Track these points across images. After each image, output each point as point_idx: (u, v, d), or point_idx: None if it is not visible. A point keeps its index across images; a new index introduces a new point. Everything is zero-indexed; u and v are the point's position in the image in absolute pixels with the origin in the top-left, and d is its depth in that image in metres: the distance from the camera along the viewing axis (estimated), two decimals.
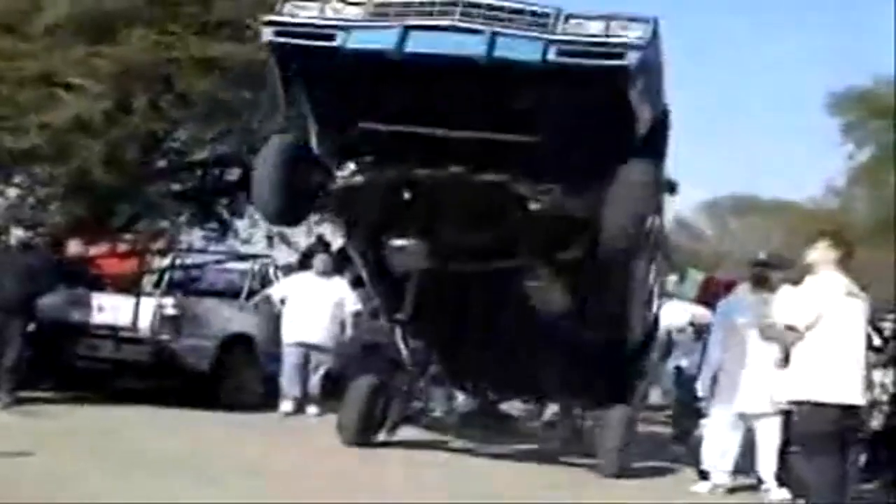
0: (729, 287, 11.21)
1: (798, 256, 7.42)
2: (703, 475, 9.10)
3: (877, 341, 9.35)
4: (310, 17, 7.80)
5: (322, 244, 15.09)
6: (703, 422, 9.42)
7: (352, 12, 7.76)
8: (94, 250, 13.75)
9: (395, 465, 9.09)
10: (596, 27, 7.46)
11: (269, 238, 17.44)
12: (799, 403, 6.97)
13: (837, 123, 28.10)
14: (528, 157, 7.84)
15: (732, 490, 9.04)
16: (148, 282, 13.56)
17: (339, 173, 8.58)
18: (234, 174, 17.61)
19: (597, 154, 7.75)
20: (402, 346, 10.23)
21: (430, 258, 8.66)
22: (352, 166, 8.55)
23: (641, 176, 7.91)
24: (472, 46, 7.41)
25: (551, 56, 7.38)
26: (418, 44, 7.50)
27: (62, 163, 14.88)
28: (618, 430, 9.42)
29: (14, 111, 14.39)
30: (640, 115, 7.81)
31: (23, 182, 16.73)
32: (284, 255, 16.22)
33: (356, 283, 11.78)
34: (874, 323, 9.01)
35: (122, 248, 14.66)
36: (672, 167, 8.93)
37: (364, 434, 9.76)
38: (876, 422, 9.35)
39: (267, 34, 7.90)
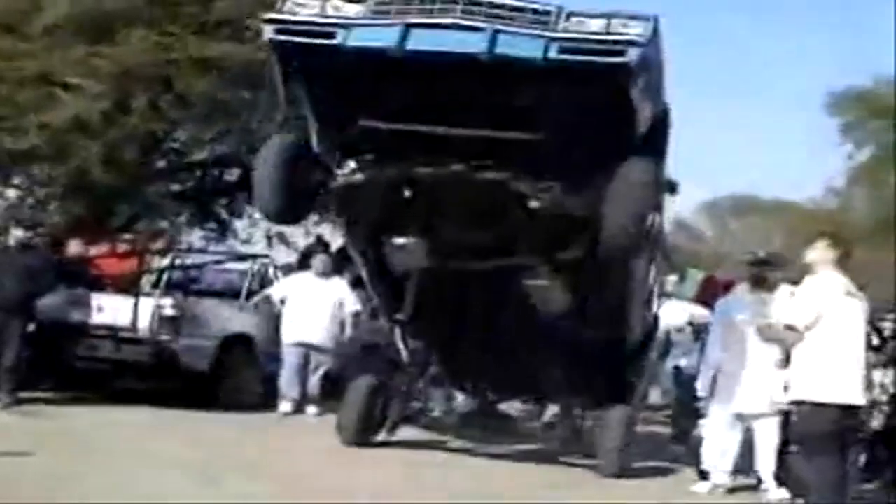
0: (728, 287, 11.18)
1: (797, 256, 7.42)
2: (703, 475, 9.09)
3: (875, 341, 9.34)
4: (311, 15, 7.79)
5: (321, 244, 15.10)
6: (702, 422, 9.41)
7: (353, 10, 7.76)
8: (93, 250, 13.73)
9: (395, 466, 9.08)
10: (597, 25, 7.47)
11: (269, 238, 17.47)
12: (799, 403, 6.97)
13: (837, 123, 28.16)
14: (528, 155, 7.84)
15: (732, 490, 9.03)
16: (147, 282, 13.55)
17: (339, 171, 8.59)
18: (233, 174, 17.61)
19: (597, 152, 7.75)
20: (401, 346, 10.22)
21: (430, 256, 8.65)
22: (352, 164, 8.56)
23: (642, 174, 7.91)
24: (474, 44, 7.41)
25: (552, 53, 7.38)
26: (419, 41, 7.50)
27: (61, 163, 14.89)
28: (617, 430, 9.41)
29: (13, 111, 14.39)
30: (640, 113, 7.81)
31: (22, 182, 16.74)
32: (284, 256, 16.25)
33: (356, 283, 11.78)
34: (873, 323, 9.00)
35: (122, 248, 14.64)
36: (672, 167, 8.95)
37: (363, 434, 9.76)
38: (876, 422, 9.33)
39: (268, 32, 7.90)
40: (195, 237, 18.02)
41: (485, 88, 7.62)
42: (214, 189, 17.99)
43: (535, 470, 9.61)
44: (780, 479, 8.73)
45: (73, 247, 13.46)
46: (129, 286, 12.48)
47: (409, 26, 7.52)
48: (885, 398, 9.46)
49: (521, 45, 7.42)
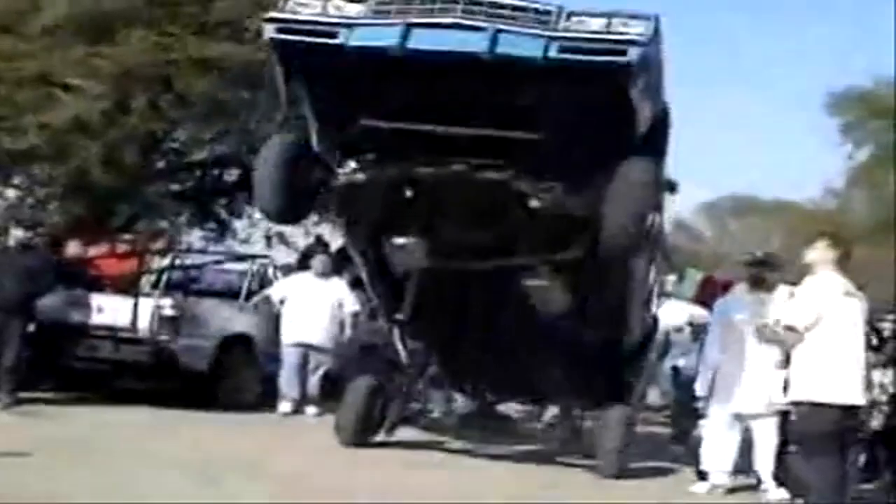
0: (727, 287, 11.19)
1: (797, 257, 7.42)
2: (702, 475, 9.08)
3: (875, 341, 9.34)
4: (312, 15, 7.79)
5: (321, 244, 15.11)
6: (701, 422, 9.41)
7: (354, 9, 7.77)
8: (93, 251, 13.74)
9: (394, 466, 9.08)
10: (597, 24, 7.47)
11: (268, 238, 17.48)
12: (798, 404, 6.97)
13: (837, 123, 28.15)
14: (529, 155, 7.84)
15: (731, 490, 9.03)
16: (147, 282, 13.56)
17: (340, 171, 8.59)
18: (232, 174, 17.63)
19: (597, 151, 7.76)
20: (400, 346, 10.22)
21: (430, 256, 8.65)
22: (353, 164, 8.56)
23: (642, 174, 7.91)
24: (475, 43, 7.41)
25: (553, 53, 7.39)
26: (421, 41, 7.50)
27: (61, 163, 14.89)
28: (617, 430, 9.41)
29: (13, 111, 14.39)
30: (640, 113, 7.81)
31: (22, 182, 16.73)
32: (283, 256, 16.24)
33: (355, 283, 11.78)
34: (873, 323, 9.00)
35: (122, 248, 14.64)
36: (672, 167, 8.95)
37: (362, 435, 9.76)
38: (876, 422, 9.32)
39: (269, 31, 7.89)
40: (195, 237, 18.05)
41: (485, 88, 7.62)
42: (214, 189, 18.00)
43: (535, 470, 9.60)
44: (780, 479, 8.73)
45: (73, 247, 13.47)
46: (128, 286, 12.48)
47: (410, 26, 7.52)
48: (884, 398, 9.45)
49: (522, 45, 7.42)
